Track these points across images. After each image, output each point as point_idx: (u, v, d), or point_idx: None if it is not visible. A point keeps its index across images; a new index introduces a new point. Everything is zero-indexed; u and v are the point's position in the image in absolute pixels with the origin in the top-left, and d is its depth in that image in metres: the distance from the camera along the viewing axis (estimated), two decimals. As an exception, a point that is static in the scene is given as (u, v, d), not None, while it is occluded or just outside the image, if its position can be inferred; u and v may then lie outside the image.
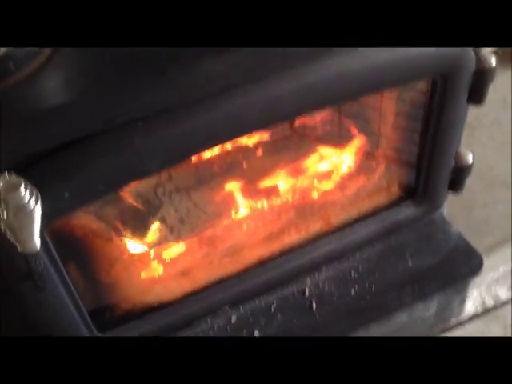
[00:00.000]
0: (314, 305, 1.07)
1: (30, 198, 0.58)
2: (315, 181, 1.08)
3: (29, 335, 0.88)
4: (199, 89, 0.73)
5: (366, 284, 1.08)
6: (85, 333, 0.91)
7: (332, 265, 1.10)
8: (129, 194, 0.97)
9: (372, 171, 1.09)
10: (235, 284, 1.02)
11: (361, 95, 0.87)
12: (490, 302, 1.44)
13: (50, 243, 0.77)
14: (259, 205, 1.07)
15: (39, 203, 0.59)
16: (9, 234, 0.59)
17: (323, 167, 1.09)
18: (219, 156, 1.04)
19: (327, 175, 1.09)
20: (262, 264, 1.03)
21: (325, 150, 1.11)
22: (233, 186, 1.06)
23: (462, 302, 1.20)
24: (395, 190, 1.09)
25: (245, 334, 1.04)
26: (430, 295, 1.08)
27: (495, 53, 1.58)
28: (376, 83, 0.84)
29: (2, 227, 0.58)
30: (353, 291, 1.08)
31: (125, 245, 0.98)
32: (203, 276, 1.02)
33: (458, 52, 0.83)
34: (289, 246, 1.05)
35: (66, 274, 0.82)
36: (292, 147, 1.11)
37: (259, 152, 1.08)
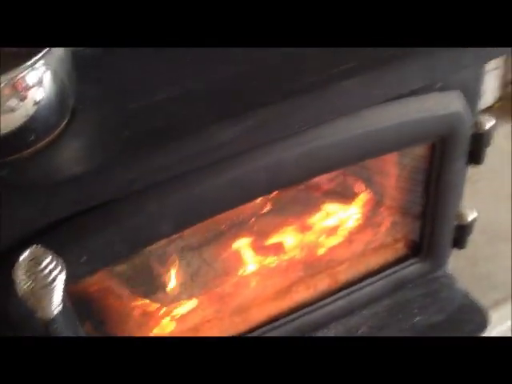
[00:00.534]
0: (322, 362, 1.08)
1: (55, 268, 0.60)
2: (322, 237, 1.11)
3: None
4: (208, 155, 0.77)
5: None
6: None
7: (340, 322, 1.12)
8: (141, 251, 0.99)
9: (377, 229, 1.11)
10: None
11: (363, 159, 0.91)
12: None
13: (68, 305, 0.79)
14: (267, 261, 1.09)
15: (63, 273, 0.62)
16: (30, 302, 0.62)
17: (330, 223, 1.12)
18: (228, 213, 1.07)
19: (334, 232, 1.11)
20: (270, 322, 1.05)
21: (331, 207, 1.14)
22: (241, 243, 1.09)
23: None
24: (400, 248, 1.12)
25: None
26: (437, 352, 1.09)
27: (492, 106, 1.63)
28: (378, 148, 0.87)
29: (25, 296, 0.61)
30: (360, 348, 1.09)
31: (137, 302, 1.00)
32: (214, 334, 1.03)
33: (455, 115, 0.87)
34: (297, 304, 1.07)
35: (82, 333, 0.84)
36: (299, 203, 1.14)
37: (266, 208, 1.11)
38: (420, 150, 0.96)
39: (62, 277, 0.61)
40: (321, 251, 1.11)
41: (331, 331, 1.11)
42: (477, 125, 0.91)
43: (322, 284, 1.09)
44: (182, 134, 0.76)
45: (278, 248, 1.11)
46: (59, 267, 0.61)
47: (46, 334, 0.73)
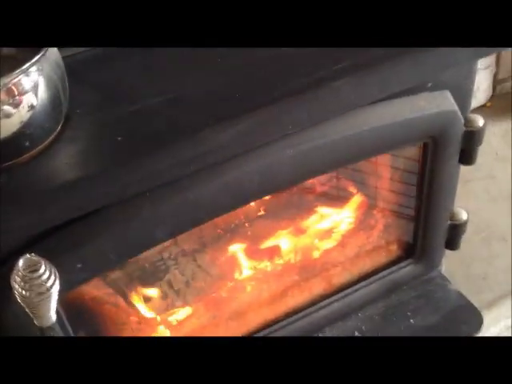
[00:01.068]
0: (318, 366, 1.08)
1: (50, 276, 0.60)
2: (316, 240, 1.11)
3: None
4: (202, 159, 0.77)
5: (369, 343, 1.10)
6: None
7: (335, 325, 1.12)
8: (136, 258, 0.99)
9: (371, 231, 1.12)
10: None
11: (356, 160, 0.92)
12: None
13: (62, 313, 0.79)
14: (262, 266, 1.09)
15: (57, 281, 0.61)
16: (28, 311, 0.62)
17: (323, 227, 1.13)
18: (222, 218, 1.08)
19: (328, 234, 1.12)
20: (266, 327, 1.05)
21: (325, 210, 1.14)
22: (236, 248, 1.09)
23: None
24: (394, 250, 1.12)
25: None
26: (433, 353, 1.09)
27: (484, 105, 1.63)
28: (370, 148, 0.88)
29: (22, 304, 0.61)
30: (356, 351, 1.09)
31: (132, 310, 0.99)
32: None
33: (446, 115, 0.88)
34: (292, 308, 1.07)
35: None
36: (292, 207, 1.15)
37: (261, 213, 1.11)
38: (412, 151, 0.97)
39: (57, 286, 0.61)
40: (315, 254, 1.12)
41: (327, 335, 1.11)
42: (468, 123, 0.92)
43: (317, 287, 1.09)
44: (176, 138, 0.76)
45: (273, 252, 1.11)
46: (53, 276, 0.61)
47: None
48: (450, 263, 1.25)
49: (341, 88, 0.77)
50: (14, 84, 0.69)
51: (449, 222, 1.06)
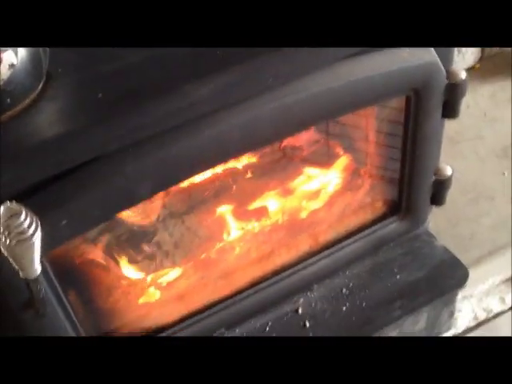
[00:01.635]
0: (307, 323, 1.10)
1: (31, 224, 0.61)
2: (304, 200, 1.12)
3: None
4: (183, 114, 0.77)
5: (356, 300, 1.12)
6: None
7: (323, 283, 1.14)
8: (124, 221, 1.00)
9: (357, 189, 1.13)
10: (230, 306, 1.05)
11: (339, 114, 0.92)
12: (482, 315, 1.47)
13: (50, 270, 0.80)
14: (250, 226, 1.10)
15: (39, 230, 0.62)
16: (11, 260, 0.63)
17: (311, 187, 1.13)
18: (210, 180, 1.09)
19: (315, 194, 1.13)
20: (255, 285, 1.07)
21: (312, 170, 1.15)
22: (224, 210, 1.10)
23: (451, 315, 1.22)
24: (380, 207, 1.13)
25: (242, 354, 1.06)
26: (419, 309, 1.11)
27: (473, 67, 1.64)
28: (353, 101, 0.88)
29: (5, 253, 0.62)
30: (344, 308, 1.11)
31: (122, 272, 1.00)
32: (199, 299, 1.05)
33: (428, 67, 0.88)
34: (280, 266, 1.09)
35: (65, 301, 0.85)
36: (280, 169, 1.15)
37: (248, 175, 1.12)
38: (395, 105, 0.97)
39: (39, 235, 0.62)
40: (302, 214, 1.13)
41: (314, 293, 1.13)
42: (451, 76, 0.92)
43: (304, 246, 1.10)
44: (157, 93, 0.77)
45: (260, 213, 1.12)
46: (35, 224, 0.62)
47: (29, 296, 0.74)
48: (436, 224, 1.26)
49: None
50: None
51: (434, 178, 1.07)
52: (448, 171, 1.07)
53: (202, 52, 0.79)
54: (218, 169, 1.09)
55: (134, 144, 0.76)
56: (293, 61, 0.79)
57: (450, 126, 1.06)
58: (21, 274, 0.66)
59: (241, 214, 1.11)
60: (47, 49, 0.78)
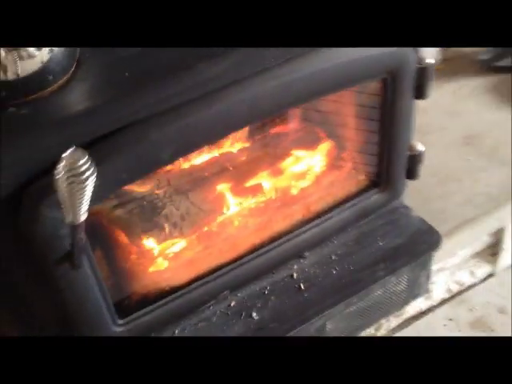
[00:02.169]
0: (302, 286, 1.22)
1: (88, 169, 0.73)
2: (294, 177, 1.26)
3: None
4: (198, 89, 0.91)
5: (344, 265, 1.25)
6: (107, 318, 1.04)
7: (314, 251, 1.27)
8: (136, 196, 1.12)
9: (342, 166, 1.27)
10: (232, 271, 1.17)
11: (327, 92, 1.06)
12: (454, 288, 1.61)
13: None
14: (247, 201, 1.23)
15: (94, 176, 0.74)
16: (63, 202, 0.74)
17: (300, 166, 1.27)
18: (209, 162, 1.22)
19: (304, 172, 1.27)
20: (254, 251, 1.19)
21: (300, 152, 1.29)
22: (223, 188, 1.23)
23: (428, 278, 1.36)
24: (362, 181, 1.27)
25: (243, 316, 1.19)
26: (400, 269, 1.25)
27: (437, 68, 1.82)
28: (339, 81, 1.03)
29: (61, 193, 0.73)
30: (334, 271, 1.24)
31: (138, 240, 1.12)
32: (205, 265, 1.16)
33: (402, 52, 1.03)
34: (276, 234, 1.21)
35: (94, 258, 0.96)
36: (271, 152, 1.29)
37: (243, 158, 1.25)
38: (373, 89, 1.12)
39: (93, 179, 0.74)
40: (293, 189, 1.26)
41: (307, 260, 1.26)
42: (420, 61, 1.07)
43: (296, 217, 1.23)
44: (175, 71, 0.90)
45: (256, 189, 1.25)
46: (92, 170, 0.73)
47: (71, 242, 0.85)
48: (410, 201, 1.40)
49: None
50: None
51: (408, 154, 1.21)
52: (420, 147, 1.22)
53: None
54: (217, 152, 1.23)
55: (157, 114, 0.89)
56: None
57: (419, 119, 1.21)
58: (67, 218, 0.77)
59: (238, 191, 1.24)
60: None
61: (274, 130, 1.28)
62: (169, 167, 1.09)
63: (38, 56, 0.84)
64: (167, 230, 1.15)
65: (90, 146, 0.85)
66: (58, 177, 0.72)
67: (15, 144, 0.82)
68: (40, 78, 0.85)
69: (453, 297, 1.60)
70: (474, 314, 1.56)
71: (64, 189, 0.72)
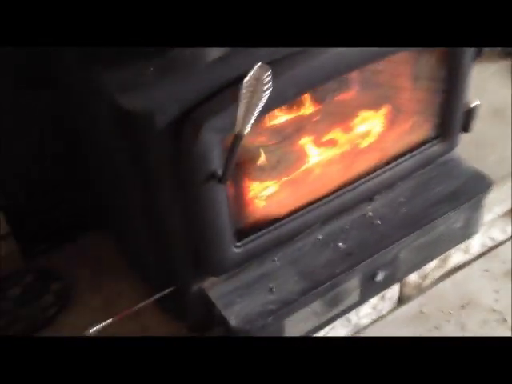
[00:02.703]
0: (378, 222, 1.43)
1: (268, 83, 0.90)
2: (370, 131, 1.45)
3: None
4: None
5: (411, 205, 1.47)
6: (229, 239, 1.23)
7: (383, 195, 1.48)
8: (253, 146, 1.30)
9: (407, 120, 1.48)
10: (323, 206, 1.38)
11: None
12: (489, 243, 1.82)
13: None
14: (328, 152, 1.43)
15: (269, 91, 0.90)
16: (239, 113, 0.90)
17: (374, 123, 1.45)
18: (293, 121, 1.41)
19: (377, 126, 1.46)
20: (337, 191, 1.39)
21: (367, 113, 1.49)
22: (307, 140, 1.42)
23: (479, 219, 1.57)
24: (424, 133, 1.49)
25: (332, 246, 1.39)
26: (458, 207, 1.46)
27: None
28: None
29: (243, 101, 0.88)
30: (403, 210, 1.46)
31: (255, 177, 1.30)
32: (300, 201, 1.37)
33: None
34: (354, 177, 1.42)
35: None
36: (342, 113, 1.48)
37: (318, 116, 1.45)
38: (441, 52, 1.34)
39: (267, 94, 0.91)
40: (365, 142, 1.46)
41: (378, 202, 1.47)
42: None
43: (369, 163, 1.44)
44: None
45: (333, 142, 1.45)
46: (270, 85, 0.90)
47: (229, 153, 1.02)
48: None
49: None
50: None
51: (464, 109, 1.44)
52: (474, 103, 1.44)
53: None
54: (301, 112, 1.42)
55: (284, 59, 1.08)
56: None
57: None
58: (236, 128, 0.94)
59: (319, 144, 1.43)
60: None
61: (346, 94, 1.48)
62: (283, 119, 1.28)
63: None
64: (268, 171, 1.34)
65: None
66: (244, 88, 0.90)
67: (181, 78, 1.02)
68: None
69: (488, 251, 1.82)
70: (506, 265, 1.77)
71: (245, 99, 0.90)
